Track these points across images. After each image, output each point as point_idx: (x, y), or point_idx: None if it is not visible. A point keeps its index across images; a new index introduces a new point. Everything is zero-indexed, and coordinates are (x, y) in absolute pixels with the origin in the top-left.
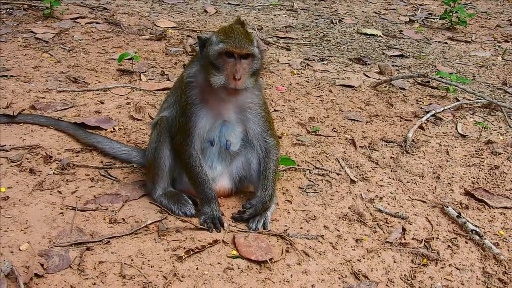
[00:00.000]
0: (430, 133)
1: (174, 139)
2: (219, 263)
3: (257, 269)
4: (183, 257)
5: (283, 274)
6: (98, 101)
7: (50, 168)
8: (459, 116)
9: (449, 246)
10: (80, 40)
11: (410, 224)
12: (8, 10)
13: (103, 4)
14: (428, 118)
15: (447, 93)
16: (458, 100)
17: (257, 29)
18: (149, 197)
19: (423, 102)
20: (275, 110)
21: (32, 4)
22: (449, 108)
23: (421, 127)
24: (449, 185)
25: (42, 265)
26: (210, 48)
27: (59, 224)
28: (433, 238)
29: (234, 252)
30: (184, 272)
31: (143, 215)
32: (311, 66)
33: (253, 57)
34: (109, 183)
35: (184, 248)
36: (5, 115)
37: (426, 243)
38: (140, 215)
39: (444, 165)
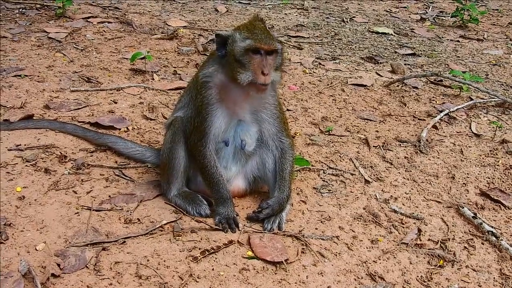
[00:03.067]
0: (444, 132)
1: (189, 139)
2: (234, 263)
3: (272, 270)
4: (199, 257)
5: (299, 275)
6: (111, 100)
7: (65, 168)
8: (472, 115)
9: (465, 247)
10: (93, 39)
11: (426, 225)
12: (21, 9)
13: (115, 3)
14: (442, 117)
15: (460, 92)
16: (471, 99)
17: (268, 28)
18: (164, 197)
19: (436, 101)
20: (288, 110)
21: (45, 3)
22: (462, 107)
23: (434, 126)
24: (464, 185)
25: (58, 265)
26: (234, 45)
27: (75, 224)
28: (449, 239)
29: (250, 253)
30: (200, 272)
31: (158, 215)
32: (323, 65)
33: (277, 53)
34: (123, 183)
35: (199, 248)
36: (6, 121)
37: (442, 244)
38: (155, 215)
39: (458, 165)
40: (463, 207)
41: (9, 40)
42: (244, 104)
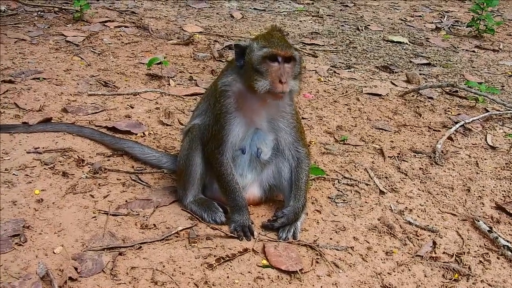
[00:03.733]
0: (459, 144)
1: (206, 147)
2: (249, 272)
3: (287, 279)
4: (214, 265)
5: (313, 286)
6: (128, 105)
7: (83, 172)
8: (488, 127)
9: (480, 261)
10: (110, 43)
11: (441, 238)
12: (39, 12)
13: (131, 8)
14: (457, 128)
15: (476, 103)
16: (487, 111)
17: (283, 35)
18: (180, 204)
19: (451, 112)
20: (303, 118)
21: (63, 7)
22: (478, 119)
23: (450, 137)
24: (479, 198)
25: (76, 268)
26: (252, 54)
27: (92, 228)
28: (464, 252)
29: (264, 262)
30: (215, 280)
31: (174, 221)
32: (338, 74)
33: (295, 61)
34: (140, 188)
35: (214, 256)
36: (25, 124)
37: (457, 258)
38: (171, 221)
39: (474, 177)
40: (478, 221)
41: (27, 42)
42: (261, 113)
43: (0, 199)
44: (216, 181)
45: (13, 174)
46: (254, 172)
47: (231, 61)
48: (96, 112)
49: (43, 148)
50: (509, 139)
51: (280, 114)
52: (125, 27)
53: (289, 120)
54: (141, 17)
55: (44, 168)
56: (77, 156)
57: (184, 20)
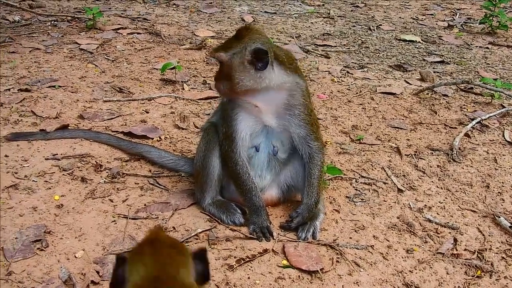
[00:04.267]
0: (476, 140)
1: (221, 147)
2: (270, 272)
3: (308, 279)
4: (234, 266)
5: (334, 285)
6: (143, 110)
7: (101, 177)
8: (505, 123)
9: (503, 257)
10: (123, 50)
11: (462, 235)
12: (53, 22)
13: (143, 15)
14: (474, 125)
15: (491, 100)
16: (503, 107)
17: (295, 37)
18: (198, 206)
19: (467, 109)
20: (318, 119)
21: (76, 16)
22: (494, 115)
23: (467, 134)
24: (499, 194)
25: (97, 272)
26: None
27: (112, 232)
28: (486, 249)
29: (285, 262)
30: (236, 281)
31: (193, 223)
32: (351, 74)
33: (222, 62)
34: (158, 192)
35: (234, 257)
36: (43, 131)
37: (479, 254)
38: (190, 223)
39: (493, 173)
40: (499, 217)
41: (42, 51)
42: (268, 108)
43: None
44: (233, 182)
45: (33, 180)
46: (272, 172)
47: None
48: (112, 118)
49: (61, 154)
50: None
51: (286, 107)
52: (138, 33)
53: (295, 112)
54: (153, 23)
55: (63, 174)
56: (95, 161)
57: (195, 25)
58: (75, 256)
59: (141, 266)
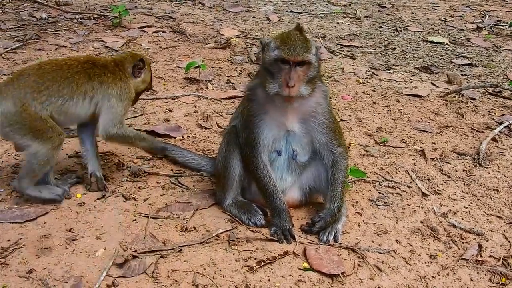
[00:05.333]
0: (504, 145)
1: (242, 150)
2: (290, 275)
3: (328, 282)
4: (255, 267)
5: None
6: (166, 109)
7: (123, 175)
8: None
9: None
10: (148, 48)
11: (487, 241)
12: (79, 19)
13: (169, 13)
14: (501, 129)
15: None
16: None
17: (321, 37)
18: (219, 206)
19: (495, 113)
20: (341, 120)
21: (102, 13)
22: None
23: (494, 139)
24: None
25: (118, 271)
26: (266, 54)
27: (133, 231)
28: (511, 256)
29: (305, 265)
30: (255, 283)
31: (213, 224)
32: (377, 75)
33: (309, 64)
34: (179, 191)
35: (255, 258)
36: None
37: (504, 261)
38: (210, 224)
39: None
40: None
41: (68, 49)
42: (289, 115)
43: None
44: (255, 184)
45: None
46: (293, 175)
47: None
48: (135, 116)
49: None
50: None
51: (312, 115)
52: (163, 32)
53: (321, 119)
54: (178, 22)
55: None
56: (118, 160)
57: (221, 24)
58: (96, 254)
59: None
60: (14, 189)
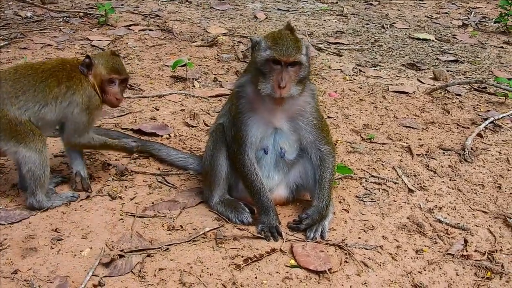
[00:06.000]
0: (489, 141)
1: (230, 148)
2: (277, 272)
3: (315, 279)
4: (242, 265)
5: (342, 285)
6: (153, 107)
7: (109, 174)
8: None
9: None
10: (134, 47)
11: (472, 236)
12: (65, 18)
13: (155, 11)
14: (487, 125)
15: (505, 99)
16: None
17: (308, 34)
18: (206, 205)
19: (480, 109)
20: (328, 117)
21: (88, 12)
22: (508, 115)
23: (479, 134)
24: (511, 195)
25: (104, 270)
26: (258, 53)
27: (119, 230)
28: (496, 250)
29: (292, 262)
30: (243, 281)
31: (200, 222)
32: (364, 72)
33: (301, 64)
34: (166, 190)
35: (242, 256)
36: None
37: (489, 256)
38: (197, 222)
39: (505, 174)
40: (510, 218)
41: (54, 48)
42: (278, 113)
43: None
44: (242, 182)
45: None
46: (281, 173)
47: (250, 62)
48: (121, 115)
49: None
50: None
51: (300, 113)
52: (150, 30)
53: (309, 118)
54: (165, 20)
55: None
56: (104, 159)
57: (208, 22)
58: (82, 254)
59: None
60: (32, 208)
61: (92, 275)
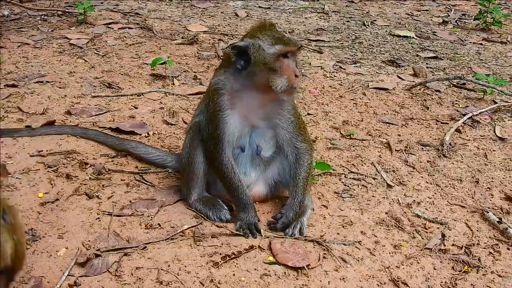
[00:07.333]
0: (467, 136)
1: (206, 145)
2: (255, 269)
3: (294, 275)
4: (220, 263)
5: (320, 281)
6: (132, 106)
7: (86, 174)
8: (497, 119)
9: (490, 252)
10: (113, 45)
11: (450, 230)
12: (42, 16)
13: (135, 9)
14: (465, 121)
15: (483, 95)
16: (495, 102)
17: (289, 32)
18: (184, 202)
19: (459, 105)
20: (308, 114)
21: (66, 10)
22: (486, 111)
23: (458, 130)
24: (488, 189)
25: (80, 270)
26: (262, 53)
27: (96, 229)
28: (473, 244)
29: (271, 258)
30: (221, 278)
31: (178, 220)
32: (344, 69)
33: (299, 51)
34: (144, 188)
35: (220, 254)
36: (28, 127)
37: (466, 250)
38: (175, 220)
39: (482, 169)
40: (488, 212)
41: (31, 46)
42: (258, 111)
43: None
44: (219, 180)
45: (17, 177)
46: (258, 170)
47: (224, 59)
48: (100, 114)
49: (47, 151)
50: None
51: (278, 111)
52: (129, 28)
53: (286, 116)
54: (145, 18)
55: (48, 171)
56: (81, 158)
57: (188, 20)
58: (58, 254)
59: None
60: None
61: (68, 275)
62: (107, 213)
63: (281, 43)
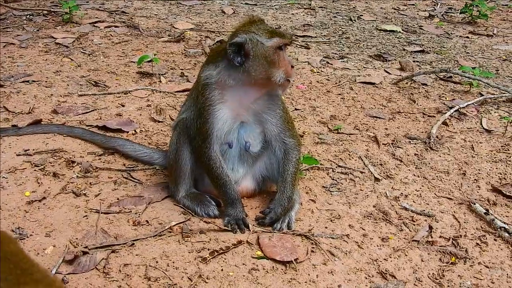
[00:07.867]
0: (454, 129)
1: (194, 141)
2: (244, 264)
3: (282, 269)
4: (208, 258)
5: (308, 275)
6: (119, 104)
7: (73, 172)
8: (483, 111)
9: (477, 244)
10: (100, 44)
11: (437, 222)
12: (28, 16)
13: (121, 8)
14: (452, 113)
15: (470, 88)
16: (482, 95)
17: (276, 27)
18: (172, 199)
19: (446, 98)
20: (296, 109)
21: (52, 10)
22: (473, 103)
23: (444, 123)
24: (475, 181)
25: (68, 267)
26: (260, 47)
27: (84, 227)
28: (461, 236)
29: (259, 253)
30: (209, 273)
31: (166, 216)
32: (331, 64)
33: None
34: (132, 186)
35: (208, 249)
36: (15, 127)
37: (454, 241)
38: (163, 217)
39: (469, 161)
40: (474, 204)
41: (17, 46)
42: (249, 106)
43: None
44: (207, 176)
45: (3, 177)
46: (246, 165)
47: (213, 54)
48: (86, 112)
49: (33, 150)
50: (504, 122)
51: (268, 106)
52: (116, 27)
53: (275, 111)
54: (131, 16)
55: (35, 170)
56: (68, 156)
57: (175, 18)
58: (45, 252)
59: None
60: None
61: (56, 272)
62: (94, 210)
63: (278, 36)
